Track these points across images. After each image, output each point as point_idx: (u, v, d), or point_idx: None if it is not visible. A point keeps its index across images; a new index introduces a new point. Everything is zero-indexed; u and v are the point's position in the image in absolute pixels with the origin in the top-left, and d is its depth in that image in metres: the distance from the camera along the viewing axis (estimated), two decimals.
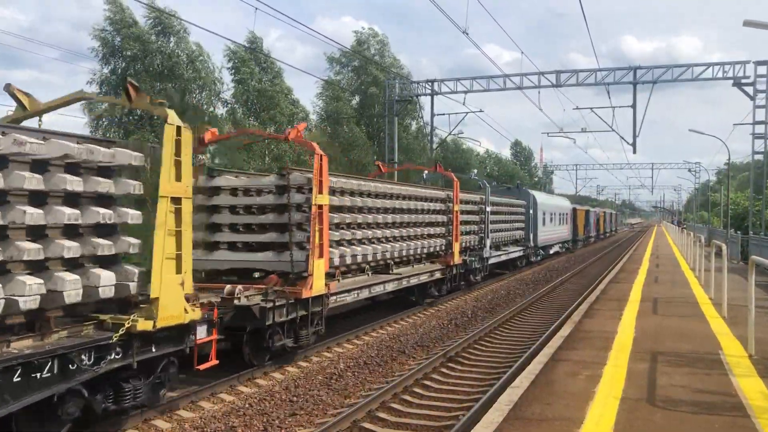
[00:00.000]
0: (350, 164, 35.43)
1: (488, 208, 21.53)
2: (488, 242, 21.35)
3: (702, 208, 79.64)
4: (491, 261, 22.41)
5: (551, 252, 36.10)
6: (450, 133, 35.35)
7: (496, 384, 9.08)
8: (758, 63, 27.12)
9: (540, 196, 33.20)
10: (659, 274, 20.18)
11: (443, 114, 45.26)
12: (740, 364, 7.66)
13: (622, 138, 31.02)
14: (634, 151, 31.66)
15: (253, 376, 9.73)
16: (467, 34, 22.31)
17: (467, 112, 32.44)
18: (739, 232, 32.95)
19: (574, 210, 45.23)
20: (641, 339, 9.17)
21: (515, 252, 26.93)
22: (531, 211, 29.41)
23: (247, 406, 8.40)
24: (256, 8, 16.47)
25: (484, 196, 21.48)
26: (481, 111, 34.25)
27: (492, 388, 8.87)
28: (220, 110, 37.62)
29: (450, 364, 10.92)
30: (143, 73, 32.85)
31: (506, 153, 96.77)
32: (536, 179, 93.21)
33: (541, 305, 18.40)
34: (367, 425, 7.78)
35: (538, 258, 32.35)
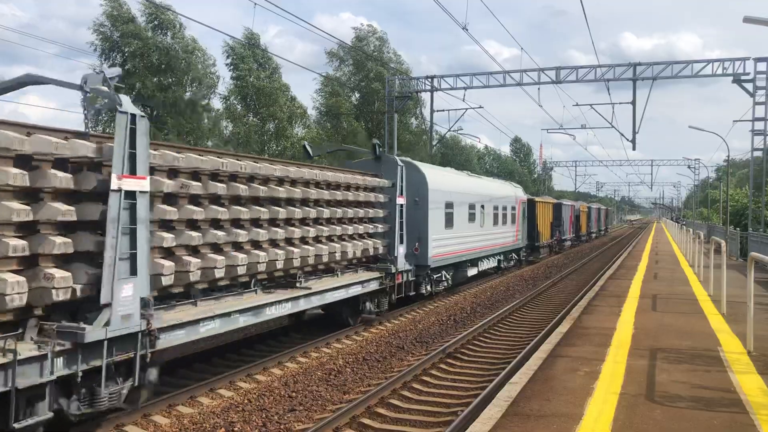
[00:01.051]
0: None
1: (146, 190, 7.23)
2: (128, 289, 6.75)
3: (701, 204, 79.70)
4: (197, 334, 8.11)
5: (472, 274, 20.70)
6: (449, 130, 35.29)
7: (494, 380, 9.09)
8: (758, 60, 27.04)
9: (434, 173, 17.72)
10: (658, 270, 20.19)
11: (443, 110, 45.23)
12: (739, 360, 7.66)
13: (622, 135, 30.94)
14: (634, 148, 31.49)
15: (251, 372, 9.73)
16: (467, 29, 22.28)
17: (467, 108, 32.33)
18: (738, 228, 32.96)
19: (531, 202, 31.25)
20: (640, 335, 9.17)
21: (347, 288, 12.20)
22: (402, 201, 14.87)
23: (246, 401, 8.40)
24: (255, 3, 16.32)
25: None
26: (480, 107, 33.97)
27: (491, 384, 8.88)
28: (217, 105, 37.73)
29: (449, 360, 10.92)
30: (142, 68, 32.89)
31: (506, 150, 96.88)
32: (536, 176, 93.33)
33: (540, 301, 18.41)
34: (365, 421, 7.78)
35: (440, 287, 17.71)
